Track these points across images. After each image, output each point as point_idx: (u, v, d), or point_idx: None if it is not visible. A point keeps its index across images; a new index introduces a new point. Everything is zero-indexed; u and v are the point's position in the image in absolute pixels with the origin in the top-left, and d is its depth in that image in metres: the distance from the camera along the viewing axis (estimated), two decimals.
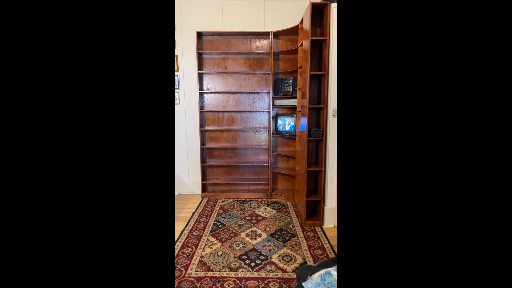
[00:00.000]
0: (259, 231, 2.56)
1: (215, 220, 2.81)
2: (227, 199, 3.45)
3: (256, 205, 3.25)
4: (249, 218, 2.87)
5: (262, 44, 3.43)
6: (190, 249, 2.23)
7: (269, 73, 3.38)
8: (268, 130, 3.51)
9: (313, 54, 2.70)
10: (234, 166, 3.62)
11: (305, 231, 2.57)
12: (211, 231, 2.56)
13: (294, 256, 2.14)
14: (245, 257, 2.12)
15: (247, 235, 2.49)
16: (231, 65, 3.48)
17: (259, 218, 2.87)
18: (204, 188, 3.59)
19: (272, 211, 3.05)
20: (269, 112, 3.45)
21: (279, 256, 2.14)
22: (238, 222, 2.76)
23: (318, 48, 2.75)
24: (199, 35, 3.33)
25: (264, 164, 3.53)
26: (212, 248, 2.25)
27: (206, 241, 2.37)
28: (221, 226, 2.68)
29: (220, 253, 2.18)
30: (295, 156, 3.27)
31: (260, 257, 2.11)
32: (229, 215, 2.95)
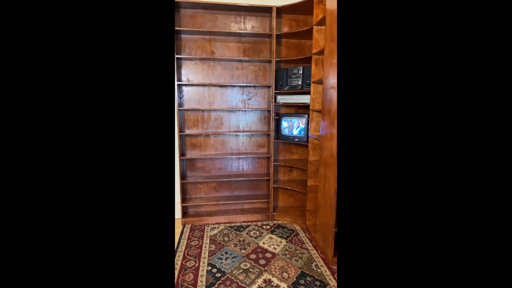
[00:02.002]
0: (275, 280, 1.82)
1: (208, 265, 2.00)
2: (217, 226, 2.64)
3: (257, 232, 2.50)
4: (254, 256, 2.11)
5: (260, 24, 2.66)
6: None
7: (270, 61, 2.63)
8: (268, 135, 2.76)
9: None
10: (223, 181, 2.81)
11: (335, 274, 1.90)
12: (207, 287, 1.75)
13: None
14: None
15: None
16: (219, 50, 2.65)
17: (268, 255, 2.13)
18: (184, 211, 2.73)
19: (281, 242, 2.33)
20: (269, 111, 2.70)
21: None
22: (242, 265, 1.99)
23: None
24: (176, 6, 2.44)
25: (262, 177, 2.78)
26: None
27: None
28: (219, 275, 1.88)
29: None
30: (301, 165, 2.59)
31: None
32: (226, 252, 2.16)
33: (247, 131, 2.77)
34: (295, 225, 2.66)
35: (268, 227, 2.61)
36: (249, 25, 2.65)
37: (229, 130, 2.78)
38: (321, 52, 2.23)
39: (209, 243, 2.30)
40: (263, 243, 2.30)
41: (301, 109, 2.82)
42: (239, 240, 2.35)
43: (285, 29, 2.67)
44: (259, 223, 2.69)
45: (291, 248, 2.24)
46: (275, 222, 2.73)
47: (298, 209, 2.85)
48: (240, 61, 2.67)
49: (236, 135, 2.81)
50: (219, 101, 2.74)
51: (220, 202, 2.73)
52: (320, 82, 2.26)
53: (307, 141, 2.48)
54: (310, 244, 2.30)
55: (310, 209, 2.49)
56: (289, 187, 2.70)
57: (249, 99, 2.77)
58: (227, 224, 2.66)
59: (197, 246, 2.25)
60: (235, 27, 2.62)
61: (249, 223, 2.69)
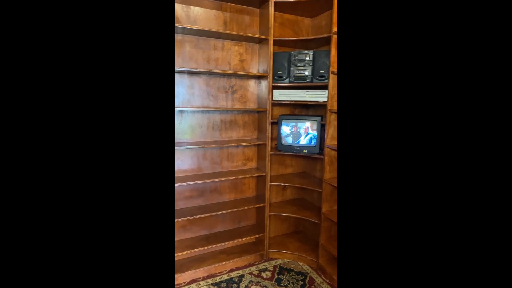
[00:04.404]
0: None
1: None
2: (195, 286, 1.73)
3: (259, 287, 1.73)
4: None
5: None
6: None
7: (261, 41, 1.85)
8: (260, 145, 1.99)
9: None
10: (197, 217, 1.89)
11: None
12: None
13: None
14: None
15: None
16: (187, 17, 1.71)
17: None
18: None
19: None
20: (260, 112, 1.93)
21: None
22: None
23: None
24: None
25: (250, 204, 2.00)
26: None
27: None
28: None
29: None
30: (298, 182, 1.95)
31: None
32: None
33: (229, 142, 1.93)
34: (301, 264, 2.00)
35: (269, 274, 1.87)
36: None
37: (204, 140, 1.88)
38: None
39: None
40: None
41: (296, 109, 2.16)
42: None
43: None
44: (254, 270, 1.91)
45: None
46: (273, 262, 2.01)
47: (295, 238, 2.21)
48: (220, 37, 1.79)
49: (214, 146, 1.93)
50: (188, 96, 1.80)
51: (196, 250, 1.82)
52: None
53: (321, 153, 1.84)
54: None
55: (324, 242, 1.88)
56: (291, 214, 2.01)
57: (233, 93, 1.93)
58: (210, 280, 1.79)
59: None
60: None
61: (240, 272, 1.88)
